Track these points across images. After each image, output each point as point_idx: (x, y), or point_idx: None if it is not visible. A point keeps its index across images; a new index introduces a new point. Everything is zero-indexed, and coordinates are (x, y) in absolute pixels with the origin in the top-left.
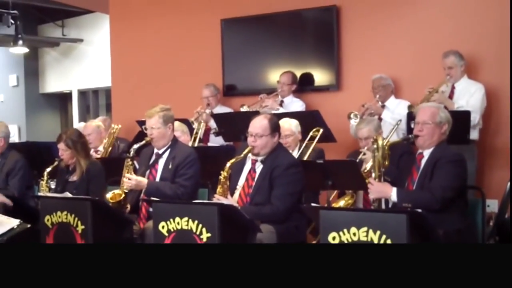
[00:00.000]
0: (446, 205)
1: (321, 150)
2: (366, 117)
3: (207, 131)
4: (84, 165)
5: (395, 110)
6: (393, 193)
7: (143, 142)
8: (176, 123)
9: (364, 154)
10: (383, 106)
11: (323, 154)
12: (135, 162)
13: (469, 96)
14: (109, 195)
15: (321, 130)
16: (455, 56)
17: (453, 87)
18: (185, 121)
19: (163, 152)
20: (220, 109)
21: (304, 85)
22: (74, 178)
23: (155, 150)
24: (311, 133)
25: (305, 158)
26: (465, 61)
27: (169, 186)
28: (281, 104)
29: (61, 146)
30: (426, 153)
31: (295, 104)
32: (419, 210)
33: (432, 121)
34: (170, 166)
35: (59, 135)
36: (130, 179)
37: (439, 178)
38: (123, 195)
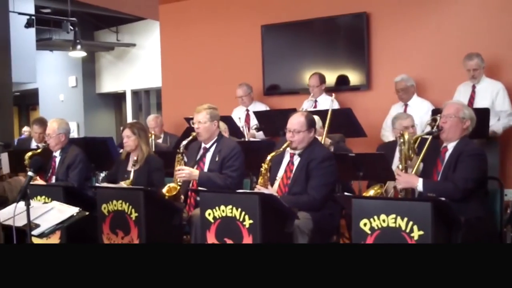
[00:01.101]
0: (468, 195)
1: (342, 135)
2: (401, 113)
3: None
4: (145, 152)
5: (417, 109)
6: (419, 184)
7: (190, 137)
8: None
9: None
10: (406, 105)
11: (343, 138)
12: (184, 156)
13: (490, 95)
14: (165, 189)
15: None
16: (479, 59)
17: (474, 87)
18: (227, 118)
19: (210, 146)
20: (255, 106)
21: (338, 85)
22: (134, 167)
23: (203, 145)
24: None
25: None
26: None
27: (218, 176)
28: (315, 103)
29: (126, 132)
30: (450, 147)
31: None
32: (443, 199)
33: (455, 115)
34: (217, 159)
35: (125, 124)
36: (183, 170)
37: (462, 170)
38: (178, 188)
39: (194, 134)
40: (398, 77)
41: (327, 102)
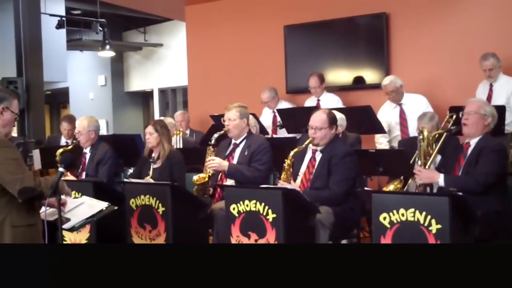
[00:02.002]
0: (487, 189)
1: (358, 136)
2: (429, 112)
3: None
4: (167, 149)
5: (413, 106)
6: (440, 179)
7: (222, 132)
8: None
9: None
10: (400, 104)
11: (359, 140)
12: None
13: (506, 92)
14: (195, 178)
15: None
16: (494, 58)
17: (491, 85)
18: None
19: (240, 142)
20: (281, 105)
21: (358, 83)
22: (157, 165)
23: (233, 141)
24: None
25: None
26: (501, 61)
27: (247, 168)
28: (318, 103)
29: (149, 129)
30: (473, 142)
31: (330, 99)
32: (460, 193)
33: (477, 111)
34: (246, 153)
35: (150, 122)
36: (214, 160)
37: (483, 165)
38: (207, 178)
39: (225, 129)
40: (386, 80)
41: (328, 101)
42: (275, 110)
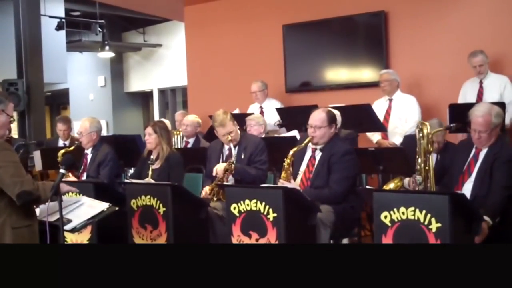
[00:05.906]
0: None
1: (352, 132)
2: (434, 119)
3: None
4: (165, 151)
5: (402, 103)
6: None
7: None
8: (257, 116)
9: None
10: (390, 100)
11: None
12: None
13: (498, 89)
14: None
15: None
16: (483, 55)
17: (481, 82)
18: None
19: (235, 146)
20: (269, 103)
21: (357, 81)
22: (156, 166)
23: (226, 146)
24: None
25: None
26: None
27: (250, 168)
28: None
29: (148, 130)
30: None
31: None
32: (460, 192)
33: (486, 128)
34: (242, 156)
35: (150, 122)
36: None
37: (500, 179)
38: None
39: (228, 140)
40: (384, 70)
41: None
42: (263, 107)
